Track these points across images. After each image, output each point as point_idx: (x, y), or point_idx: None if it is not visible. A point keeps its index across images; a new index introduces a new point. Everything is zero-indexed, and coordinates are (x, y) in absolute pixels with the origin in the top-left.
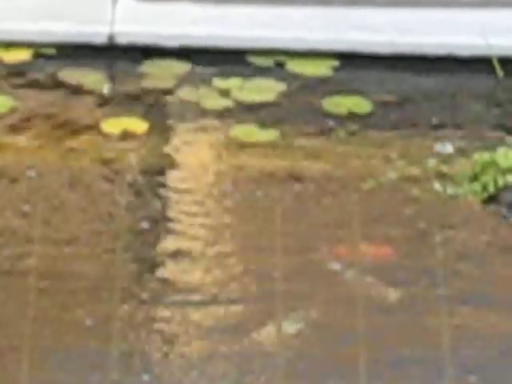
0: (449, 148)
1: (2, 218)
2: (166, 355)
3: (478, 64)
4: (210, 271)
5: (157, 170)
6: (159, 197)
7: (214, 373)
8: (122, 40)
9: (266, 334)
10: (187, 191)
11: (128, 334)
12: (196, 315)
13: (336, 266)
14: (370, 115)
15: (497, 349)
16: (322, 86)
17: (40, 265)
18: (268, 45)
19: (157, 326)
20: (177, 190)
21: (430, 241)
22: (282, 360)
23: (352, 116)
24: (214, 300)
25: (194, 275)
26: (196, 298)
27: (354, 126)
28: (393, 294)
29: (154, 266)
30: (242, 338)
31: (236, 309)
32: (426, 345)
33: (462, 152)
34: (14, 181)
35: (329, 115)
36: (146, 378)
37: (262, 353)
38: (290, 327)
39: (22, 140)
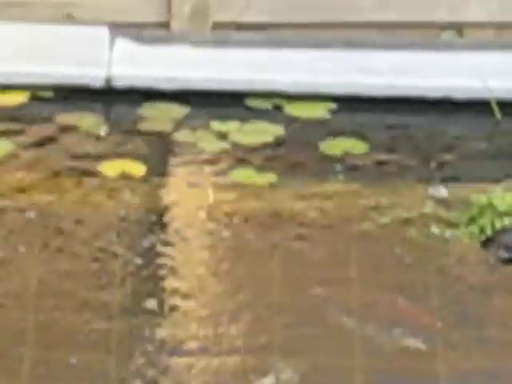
0: (443, 192)
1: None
2: None
3: (476, 107)
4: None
5: (155, 213)
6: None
7: None
8: (119, 83)
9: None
10: (184, 236)
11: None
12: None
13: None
14: (366, 156)
15: None
16: (320, 128)
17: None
18: (266, 88)
19: None
20: (174, 234)
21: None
22: None
23: (348, 157)
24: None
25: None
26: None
27: (350, 169)
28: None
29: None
30: None
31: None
32: None
33: (458, 195)
34: (12, 221)
35: (325, 158)
36: None
37: None
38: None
39: (20, 181)
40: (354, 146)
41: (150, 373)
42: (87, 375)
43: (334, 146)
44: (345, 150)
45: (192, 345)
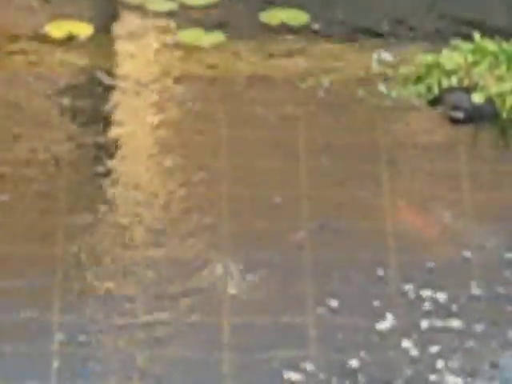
0: (388, 56)
1: None
2: None
3: None
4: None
5: (105, 69)
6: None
7: None
8: None
9: None
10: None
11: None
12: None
13: None
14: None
15: None
16: None
17: None
18: None
19: None
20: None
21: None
22: None
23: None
24: None
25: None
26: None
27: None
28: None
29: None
30: None
31: None
32: None
33: (406, 57)
34: None
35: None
36: None
37: None
38: None
39: None
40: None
41: None
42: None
43: (272, 17)
44: (281, 19)
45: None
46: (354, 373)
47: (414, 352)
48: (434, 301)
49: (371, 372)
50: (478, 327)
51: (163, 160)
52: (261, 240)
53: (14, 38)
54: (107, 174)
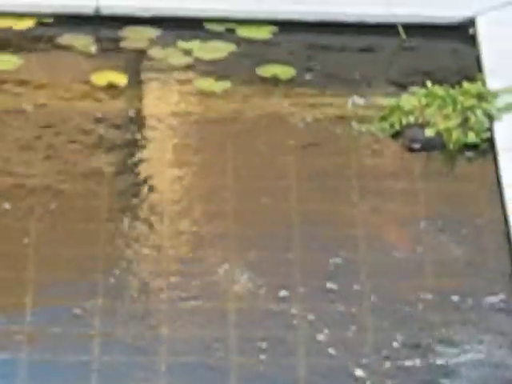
0: (361, 100)
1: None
2: None
3: (383, 29)
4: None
5: (140, 114)
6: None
7: None
8: (105, 11)
9: None
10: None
11: None
12: None
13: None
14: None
15: None
16: (262, 48)
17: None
18: (220, 14)
19: None
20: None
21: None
22: None
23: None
24: None
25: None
26: None
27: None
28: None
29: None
30: None
31: None
32: None
33: (373, 101)
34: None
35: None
36: None
37: None
38: None
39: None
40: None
41: None
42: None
43: (265, 72)
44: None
45: None
46: None
47: None
48: None
49: None
50: None
51: (181, 177)
52: None
53: (65, 84)
54: (135, 184)
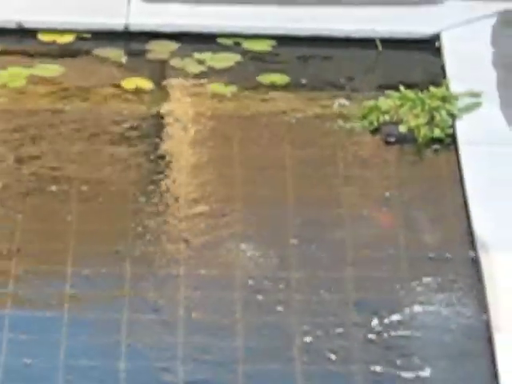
0: (345, 102)
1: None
2: None
3: (366, 43)
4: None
5: (162, 113)
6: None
7: None
8: (134, 28)
9: None
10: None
11: None
12: None
13: None
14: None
15: None
16: (262, 59)
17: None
18: (229, 30)
19: None
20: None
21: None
22: None
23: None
24: None
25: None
26: None
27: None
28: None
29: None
30: None
31: None
32: None
33: (355, 103)
34: (57, 113)
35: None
36: None
37: None
38: None
39: (65, 93)
40: (278, 79)
41: None
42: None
43: (264, 79)
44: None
45: None
46: None
47: None
48: None
49: None
50: None
51: (196, 165)
52: None
53: (99, 88)
54: (157, 172)
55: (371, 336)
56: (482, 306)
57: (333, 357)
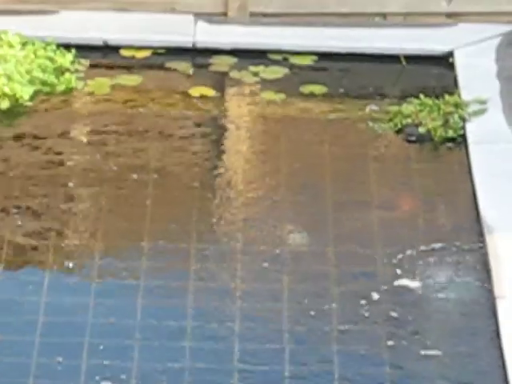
0: (375, 107)
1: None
2: None
3: (390, 58)
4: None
5: (222, 115)
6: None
7: None
8: (199, 45)
9: None
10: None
11: None
12: None
13: None
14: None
15: None
16: (306, 71)
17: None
18: (279, 48)
19: None
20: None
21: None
22: None
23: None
24: None
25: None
26: None
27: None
28: None
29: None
30: None
31: None
32: None
33: (383, 108)
34: (136, 114)
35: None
36: None
37: None
38: None
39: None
40: (318, 89)
41: None
42: None
43: (307, 88)
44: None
45: None
46: None
47: None
48: None
49: None
50: None
51: (249, 159)
52: None
53: (170, 95)
54: (217, 165)
55: (377, 296)
56: (488, 276)
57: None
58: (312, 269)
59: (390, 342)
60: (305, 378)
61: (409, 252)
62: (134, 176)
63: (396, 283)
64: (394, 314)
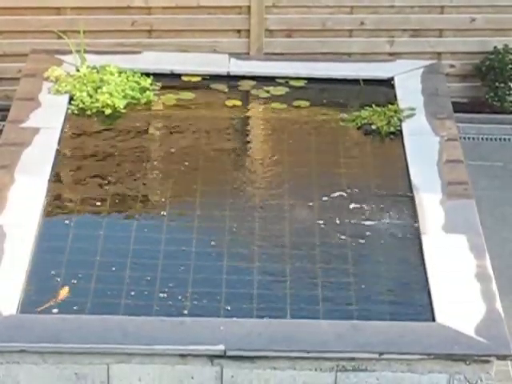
0: (344, 114)
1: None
2: None
3: (355, 82)
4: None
5: (246, 117)
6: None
7: None
8: (232, 73)
9: None
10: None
11: None
12: None
13: None
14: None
15: None
16: (299, 91)
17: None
18: (282, 74)
19: None
20: (252, 126)
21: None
22: None
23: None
24: None
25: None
26: None
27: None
28: None
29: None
30: None
31: None
32: None
33: (349, 113)
34: (191, 119)
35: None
36: None
37: None
38: None
39: (194, 108)
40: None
41: None
42: None
43: (297, 102)
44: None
45: None
46: None
47: None
48: None
49: None
50: None
51: (265, 153)
52: None
53: (213, 105)
54: (243, 157)
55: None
56: (415, 218)
57: None
58: (307, 226)
59: None
60: None
61: (358, 197)
62: (188, 161)
63: (353, 221)
64: (343, 237)
